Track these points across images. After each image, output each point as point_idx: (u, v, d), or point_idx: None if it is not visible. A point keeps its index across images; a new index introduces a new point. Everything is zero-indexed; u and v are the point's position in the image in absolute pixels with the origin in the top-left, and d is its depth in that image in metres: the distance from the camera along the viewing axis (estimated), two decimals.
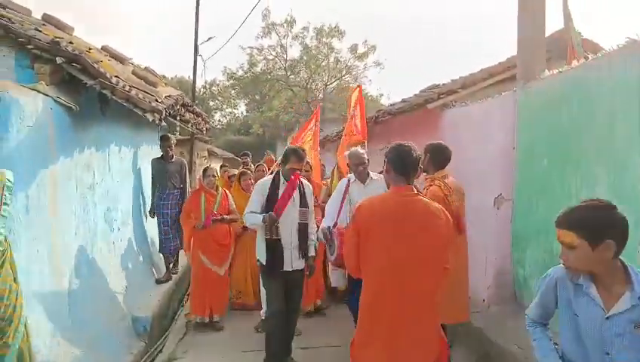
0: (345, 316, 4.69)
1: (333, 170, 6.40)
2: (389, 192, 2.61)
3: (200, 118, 9.16)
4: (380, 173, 4.07)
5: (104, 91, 4.64)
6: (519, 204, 4.75)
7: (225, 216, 5.33)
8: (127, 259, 5.89)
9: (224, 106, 35.44)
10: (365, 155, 4.33)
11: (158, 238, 6.58)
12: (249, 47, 28.68)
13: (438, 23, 62.83)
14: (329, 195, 4.83)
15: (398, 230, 2.42)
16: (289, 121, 28.12)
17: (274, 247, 3.97)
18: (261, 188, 4.13)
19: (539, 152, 4.40)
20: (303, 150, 4.31)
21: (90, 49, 5.53)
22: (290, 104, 29.05)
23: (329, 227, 3.87)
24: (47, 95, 4.15)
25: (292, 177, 4.01)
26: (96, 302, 4.65)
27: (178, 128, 8.66)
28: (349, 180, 4.31)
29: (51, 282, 3.96)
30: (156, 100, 5.66)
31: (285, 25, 28.33)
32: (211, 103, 33.91)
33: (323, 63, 28.92)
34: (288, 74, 29.12)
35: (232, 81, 31.19)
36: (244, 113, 35.62)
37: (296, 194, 4.04)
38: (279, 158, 4.59)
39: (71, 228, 4.55)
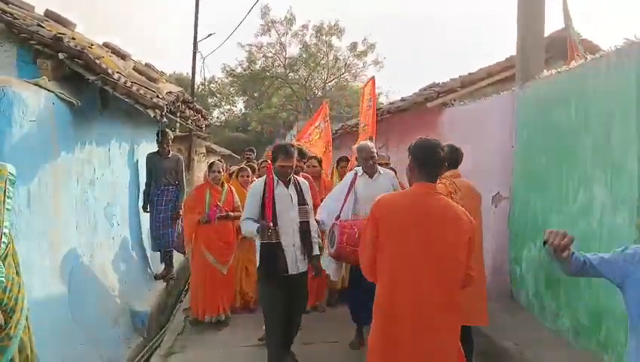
0: (344, 312, 4.73)
1: (332, 170, 6.30)
2: (411, 189, 2.51)
3: (199, 115, 9.15)
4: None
5: (106, 87, 4.66)
6: (517, 202, 4.79)
7: (230, 213, 5.23)
8: (126, 254, 5.91)
9: (223, 103, 35.44)
10: (374, 149, 4.26)
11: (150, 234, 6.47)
12: (248, 45, 28.79)
13: (438, 23, 63.04)
14: None
15: (418, 228, 2.35)
16: (287, 118, 28.15)
17: (275, 251, 3.68)
18: (254, 190, 3.86)
19: (537, 151, 4.44)
20: (293, 146, 4.06)
21: (92, 45, 5.54)
22: (288, 101, 29.09)
23: (323, 222, 3.82)
24: (50, 90, 4.16)
25: (270, 177, 3.77)
26: (95, 296, 4.68)
27: (177, 125, 8.64)
28: (355, 173, 4.22)
29: (51, 275, 3.98)
30: (157, 96, 5.67)
31: (285, 23, 28.39)
32: (210, 100, 33.86)
33: (322, 61, 28.95)
34: (287, 71, 29.14)
35: (230, 79, 31.20)
36: (243, 110, 35.67)
37: (293, 193, 3.80)
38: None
39: (71, 223, 4.57)
